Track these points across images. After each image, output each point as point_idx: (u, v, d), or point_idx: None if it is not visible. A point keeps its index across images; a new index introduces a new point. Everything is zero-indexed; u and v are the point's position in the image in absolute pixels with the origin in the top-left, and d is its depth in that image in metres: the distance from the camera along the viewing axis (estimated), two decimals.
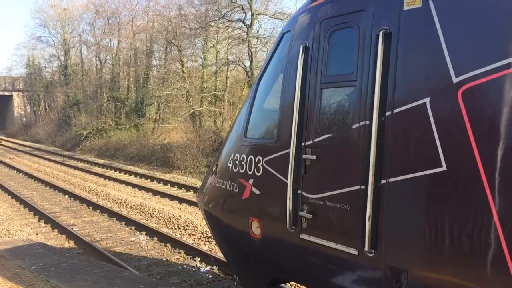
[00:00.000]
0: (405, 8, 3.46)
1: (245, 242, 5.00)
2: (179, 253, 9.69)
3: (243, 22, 25.82)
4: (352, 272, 3.78)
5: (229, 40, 28.29)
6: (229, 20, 26.52)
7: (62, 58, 50.82)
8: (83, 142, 34.85)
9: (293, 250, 4.32)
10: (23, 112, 62.35)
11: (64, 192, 16.93)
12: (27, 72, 59.39)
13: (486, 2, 3.09)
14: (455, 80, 3.09)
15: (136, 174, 21.27)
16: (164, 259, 9.34)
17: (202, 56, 29.81)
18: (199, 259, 9.15)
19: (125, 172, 22.30)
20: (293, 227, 4.24)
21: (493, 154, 2.91)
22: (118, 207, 14.35)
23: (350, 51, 3.83)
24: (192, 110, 26.74)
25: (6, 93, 64.30)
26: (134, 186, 18.09)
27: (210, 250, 9.49)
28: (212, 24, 27.09)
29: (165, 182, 19.03)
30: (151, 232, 11.11)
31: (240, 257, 5.54)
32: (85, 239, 10.54)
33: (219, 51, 29.27)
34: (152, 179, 19.85)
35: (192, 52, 30.28)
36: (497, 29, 2.99)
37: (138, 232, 11.46)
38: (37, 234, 11.56)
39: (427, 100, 3.22)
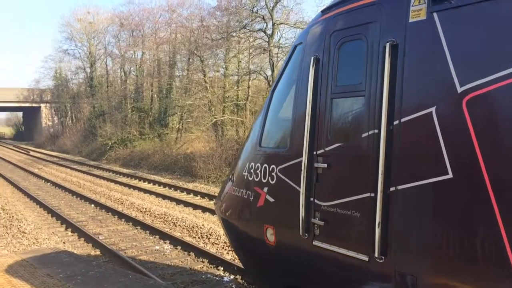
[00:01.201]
0: (410, 20, 3.56)
1: (261, 249, 5.08)
2: (203, 262, 9.75)
3: (264, 32, 26.00)
4: (363, 278, 3.83)
5: (251, 50, 28.50)
6: (250, 30, 26.75)
7: (88, 70, 52.14)
8: (108, 152, 35.54)
9: (306, 256, 4.40)
10: (50, 123, 64.02)
11: (90, 201, 17.27)
12: (54, 84, 61.05)
13: (488, 13, 3.16)
14: (459, 89, 3.17)
15: (159, 184, 21.54)
16: (187, 268, 9.41)
17: (224, 66, 30.10)
18: (222, 268, 9.19)
19: (149, 181, 22.60)
20: (306, 234, 4.32)
21: (497, 161, 2.97)
22: (143, 216, 14.55)
23: (359, 62, 3.94)
24: (214, 120, 26.97)
25: (35, 105, 66.25)
26: (158, 195, 18.32)
27: (233, 259, 9.51)
28: (234, 34, 27.36)
29: (188, 191, 19.20)
30: (175, 241, 11.22)
31: (256, 263, 5.63)
32: (110, 248, 10.72)
33: (240, 61, 29.51)
34: (176, 188, 20.06)
35: (214, 62, 30.64)
36: (499, 40, 3.06)
37: (162, 241, 11.58)
38: (64, 242, 11.82)
39: (433, 109, 3.31)
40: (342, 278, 4.09)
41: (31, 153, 45.45)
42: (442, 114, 3.26)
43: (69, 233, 12.83)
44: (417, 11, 3.52)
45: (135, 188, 20.45)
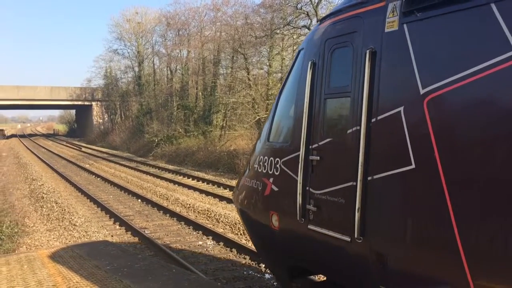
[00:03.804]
0: (386, 30, 4.08)
1: (267, 233, 5.65)
2: (244, 258, 9.80)
3: (309, 29, 25.72)
4: (347, 256, 4.34)
5: (295, 47, 28.31)
6: (294, 27, 26.59)
7: (136, 69, 53.68)
8: (155, 148, 36.45)
9: (303, 239, 4.93)
10: (101, 121, 66.46)
11: (137, 196, 17.79)
12: (105, 83, 63.35)
13: (445, 25, 3.62)
14: (421, 91, 3.65)
15: (203, 180, 21.86)
16: (230, 264, 9.49)
17: (267, 64, 30.10)
18: (263, 265, 9.20)
19: (193, 178, 22.99)
20: (303, 219, 4.86)
21: (448, 153, 3.43)
22: (187, 212, 14.82)
23: (347, 66, 4.46)
24: (258, 117, 27.03)
25: (86, 103, 69.01)
26: (201, 191, 18.60)
27: None
28: (278, 31, 27.30)
29: (231, 188, 19.33)
30: (218, 237, 11.35)
31: (265, 247, 6.20)
32: (156, 242, 10.99)
33: (284, 58, 29.38)
34: (219, 185, 20.31)
35: (257, 59, 30.69)
36: (452, 48, 3.52)
37: (205, 236, 11.75)
38: (112, 236, 12.24)
39: (401, 108, 3.81)
40: (331, 257, 4.63)
41: (83, 149, 47.40)
42: (408, 113, 3.75)
43: (117, 227, 13.28)
44: (391, 22, 4.04)
45: (179, 184, 20.87)
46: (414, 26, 3.83)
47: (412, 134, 3.68)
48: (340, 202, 4.36)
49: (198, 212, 14.67)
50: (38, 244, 11.48)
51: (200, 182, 21.64)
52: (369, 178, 4.03)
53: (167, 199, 17.28)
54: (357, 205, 4.07)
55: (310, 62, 4.96)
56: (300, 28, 26.61)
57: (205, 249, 10.69)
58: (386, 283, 3.97)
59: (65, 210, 15.43)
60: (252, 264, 9.43)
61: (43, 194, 18.65)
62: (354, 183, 4.14)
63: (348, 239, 4.24)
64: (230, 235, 11.57)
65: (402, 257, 3.81)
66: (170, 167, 28.42)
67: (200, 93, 38.98)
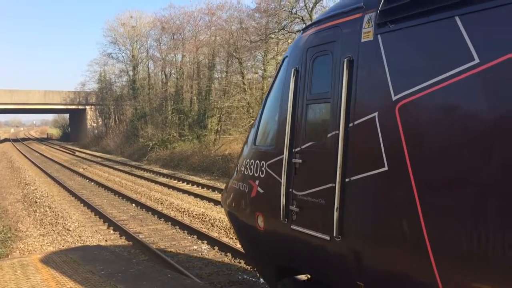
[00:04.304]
0: (362, 40, 4.30)
1: (254, 234, 5.84)
2: (239, 263, 9.77)
3: None
4: (327, 254, 4.55)
5: None
6: (289, 32, 26.64)
7: (131, 73, 53.52)
8: (149, 152, 36.34)
9: (287, 239, 5.12)
10: (95, 125, 66.17)
11: (131, 200, 17.71)
12: (99, 87, 63.05)
13: (414, 37, 3.85)
14: (393, 98, 3.86)
15: (198, 184, 21.81)
16: (224, 268, 9.46)
17: (262, 68, 30.15)
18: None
19: (188, 182, 22.93)
20: (286, 220, 5.04)
21: (417, 156, 3.65)
22: (181, 216, 14.77)
23: (327, 73, 4.67)
24: (253, 121, 27.01)
25: (80, 107, 68.71)
26: (196, 196, 18.55)
27: None
28: (272, 36, 27.36)
29: None
30: (213, 242, 11.31)
31: (251, 248, 6.41)
32: (150, 247, 10.93)
33: (279, 62, 29.45)
34: (214, 189, 20.25)
35: (252, 64, 30.76)
36: (421, 58, 3.75)
37: (200, 241, 11.71)
38: (106, 240, 12.16)
39: (376, 114, 4.02)
40: (312, 255, 4.81)
41: (77, 153, 47.17)
42: (381, 118, 3.97)
43: (111, 231, 13.20)
44: (367, 33, 4.27)
45: (174, 188, 20.81)
46: (387, 37, 4.07)
47: (385, 138, 3.92)
48: (321, 203, 4.56)
49: (193, 216, 14.62)
50: (31, 249, 11.39)
51: (195, 186, 21.58)
52: (347, 179, 4.24)
53: (161, 203, 17.22)
54: (336, 206, 4.29)
55: (293, 69, 5.18)
56: (295, 33, 26.65)
57: (200, 254, 10.65)
58: (362, 279, 4.19)
59: (58, 214, 15.32)
60: (247, 268, 9.40)
61: (37, 199, 18.52)
62: (333, 185, 4.33)
63: (327, 238, 4.44)
64: (225, 240, 11.54)
65: (376, 254, 4.03)
66: (165, 171, 28.34)
67: (194, 97, 38.95)
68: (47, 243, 12.01)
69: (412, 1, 3.89)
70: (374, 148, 3.97)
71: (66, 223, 14.01)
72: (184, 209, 15.65)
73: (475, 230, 3.25)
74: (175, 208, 16.06)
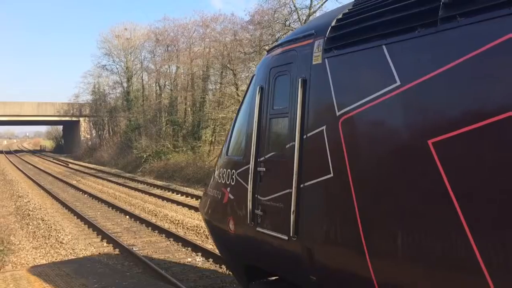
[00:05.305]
0: (313, 63, 4.83)
1: (226, 237, 6.31)
2: None
3: None
4: (285, 253, 5.02)
5: None
6: None
7: (125, 84, 53.57)
8: (143, 164, 36.21)
9: (253, 240, 5.60)
10: (88, 136, 65.92)
11: (125, 212, 17.60)
12: (93, 99, 62.94)
13: (352, 61, 4.40)
14: (337, 113, 4.39)
15: (192, 196, 21.74)
16: (219, 280, 9.41)
17: None
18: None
19: (182, 193, 22.86)
20: (252, 222, 5.52)
21: (354, 163, 4.15)
22: (176, 228, 14.69)
23: (286, 91, 5.21)
24: None
25: (74, 119, 68.51)
26: (190, 207, 18.47)
27: None
28: (266, 47, 27.53)
29: None
30: (207, 254, 11.26)
31: (225, 250, 6.84)
32: (144, 259, 10.86)
33: None
34: None
35: (246, 75, 30.86)
36: (358, 79, 4.30)
37: (194, 253, 11.65)
38: (99, 253, 12.06)
39: (324, 127, 4.55)
40: (273, 254, 5.30)
41: (70, 165, 46.91)
42: (328, 131, 4.50)
43: (105, 244, 13.10)
44: (317, 57, 4.81)
45: (168, 200, 20.72)
46: (332, 61, 4.63)
47: (331, 148, 4.45)
48: (280, 206, 5.05)
49: (187, 228, 14.56)
50: (24, 262, 11.26)
51: (189, 198, 21.51)
52: (302, 185, 4.73)
53: (155, 215, 17.13)
54: (292, 209, 4.77)
55: (259, 87, 5.72)
56: None
57: (195, 266, 10.59)
58: (314, 274, 4.68)
59: (51, 227, 15.20)
60: None
61: (29, 211, 18.37)
62: (290, 190, 4.82)
63: (285, 237, 4.91)
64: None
65: (325, 252, 4.55)
66: (159, 183, 28.24)
67: (189, 108, 39.00)
68: (40, 256, 11.90)
69: (350, 30, 4.49)
70: (323, 157, 4.49)
71: (59, 235, 13.90)
72: (178, 221, 15.57)
73: (403, 231, 3.68)
74: (169, 220, 15.99)
